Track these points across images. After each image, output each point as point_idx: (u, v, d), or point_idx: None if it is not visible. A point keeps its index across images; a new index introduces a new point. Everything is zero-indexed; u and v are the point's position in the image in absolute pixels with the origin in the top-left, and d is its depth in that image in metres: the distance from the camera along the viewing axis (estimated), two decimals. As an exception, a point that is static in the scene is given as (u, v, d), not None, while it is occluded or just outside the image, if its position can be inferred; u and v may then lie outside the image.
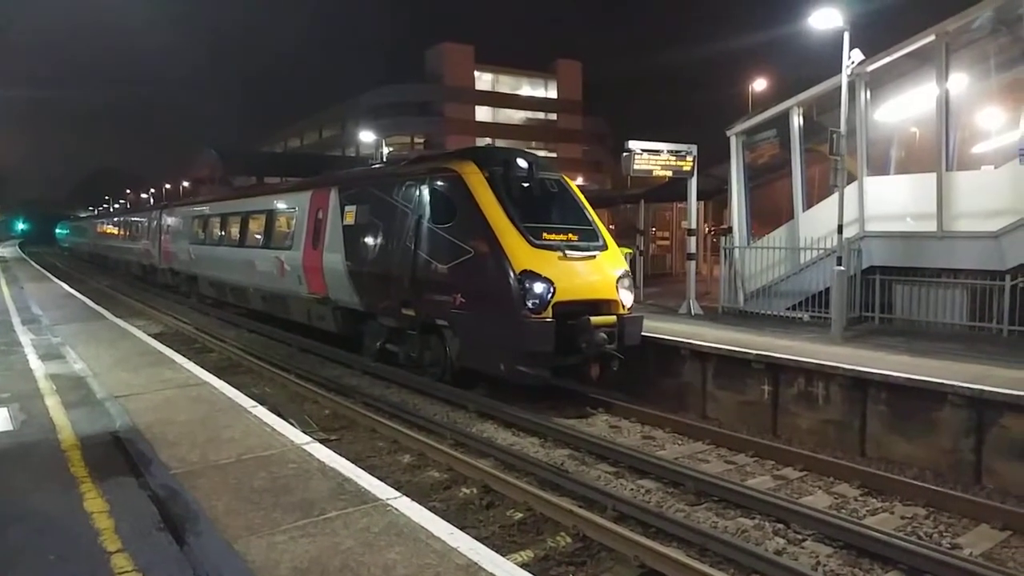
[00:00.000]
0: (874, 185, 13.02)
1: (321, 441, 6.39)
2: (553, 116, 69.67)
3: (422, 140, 62.27)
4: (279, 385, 11.60)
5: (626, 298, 9.82)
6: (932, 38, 11.89)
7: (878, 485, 6.97)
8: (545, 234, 9.48)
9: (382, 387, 11.29)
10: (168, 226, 24.90)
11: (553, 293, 8.91)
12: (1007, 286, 10.82)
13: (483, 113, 65.99)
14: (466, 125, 61.69)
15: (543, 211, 10.08)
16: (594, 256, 9.77)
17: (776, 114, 14.55)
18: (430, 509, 4.64)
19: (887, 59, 12.54)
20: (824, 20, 11.45)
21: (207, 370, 9.21)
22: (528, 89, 69.99)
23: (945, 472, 7.51)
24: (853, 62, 11.77)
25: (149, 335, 12.59)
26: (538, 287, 8.85)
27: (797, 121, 14.02)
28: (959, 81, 12.53)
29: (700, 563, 5.15)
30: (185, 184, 64.41)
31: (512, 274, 8.85)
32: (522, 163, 10.15)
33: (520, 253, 9.04)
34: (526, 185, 10.00)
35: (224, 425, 6.32)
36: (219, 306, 20.68)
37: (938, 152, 11.97)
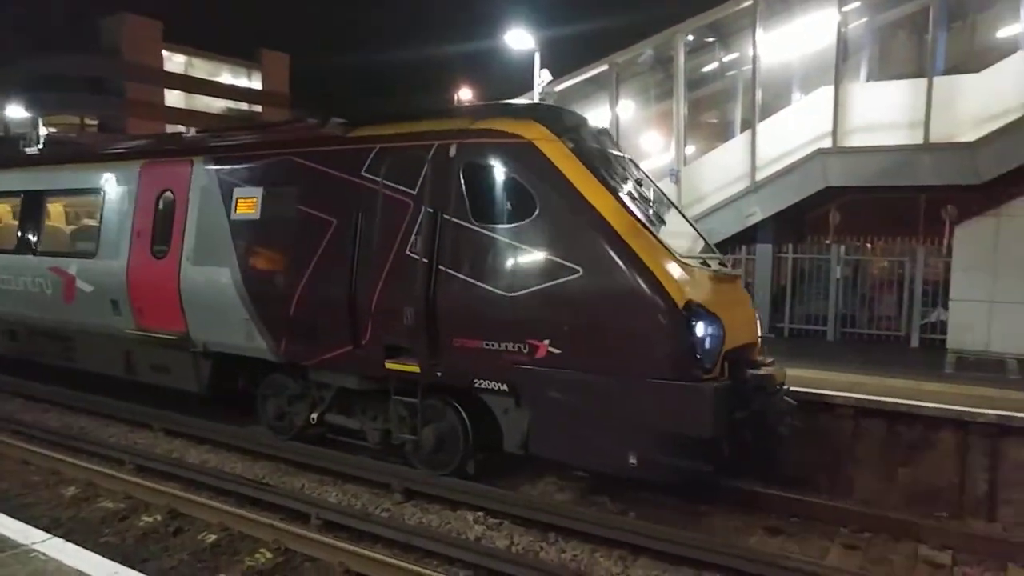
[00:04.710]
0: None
1: (-57, 482, 5.11)
2: (258, 108, 65.70)
3: (95, 122, 54.31)
4: None
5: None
6: (605, 67, 13.61)
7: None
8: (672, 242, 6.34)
9: (39, 411, 9.52)
10: None
11: (723, 339, 5.83)
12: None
13: (175, 98, 59.75)
14: (153, 109, 55.20)
15: (646, 205, 6.73)
16: (732, 277, 7.05)
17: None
18: (101, 545, 3.97)
19: (571, 82, 14.05)
20: (517, 40, 12.43)
21: None
22: (229, 77, 65.01)
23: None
24: (543, 81, 12.97)
25: None
26: (708, 330, 5.67)
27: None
28: (627, 107, 14.54)
29: (404, 560, 5.17)
30: None
31: (674, 309, 5.55)
32: (593, 129, 6.97)
33: (673, 274, 5.78)
34: (611, 164, 6.75)
35: None
36: None
37: (611, 167, 13.72)
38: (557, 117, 6.80)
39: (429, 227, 6.48)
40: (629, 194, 6.43)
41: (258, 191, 7.78)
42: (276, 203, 7.63)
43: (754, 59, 13.33)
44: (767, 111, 13.48)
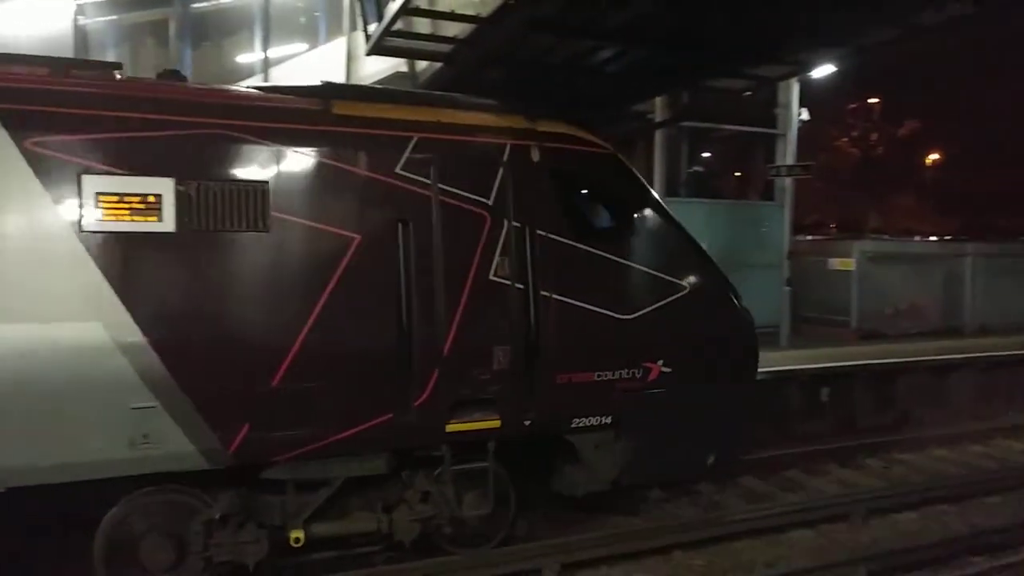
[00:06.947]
0: None
1: None
2: None
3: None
4: None
5: None
6: None
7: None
8: None
9: None
10: None
11: None
12: None
13: None
14: None
15: None
16: None
17: None
18: None
19: None
20: None
21: None
22: None
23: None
24: None
25: None
26: None
27: None
28: None
29: None
30: None
31: (747, 311, 6.50)
32: None
33: None
34: None
35: None
36: None
37: None
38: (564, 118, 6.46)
39: (520, 245, 5.52)
40: None
41: (164, 185, 4.58)
42: (216, 206, 4.70)
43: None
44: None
